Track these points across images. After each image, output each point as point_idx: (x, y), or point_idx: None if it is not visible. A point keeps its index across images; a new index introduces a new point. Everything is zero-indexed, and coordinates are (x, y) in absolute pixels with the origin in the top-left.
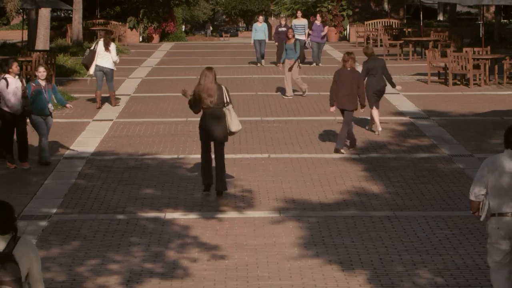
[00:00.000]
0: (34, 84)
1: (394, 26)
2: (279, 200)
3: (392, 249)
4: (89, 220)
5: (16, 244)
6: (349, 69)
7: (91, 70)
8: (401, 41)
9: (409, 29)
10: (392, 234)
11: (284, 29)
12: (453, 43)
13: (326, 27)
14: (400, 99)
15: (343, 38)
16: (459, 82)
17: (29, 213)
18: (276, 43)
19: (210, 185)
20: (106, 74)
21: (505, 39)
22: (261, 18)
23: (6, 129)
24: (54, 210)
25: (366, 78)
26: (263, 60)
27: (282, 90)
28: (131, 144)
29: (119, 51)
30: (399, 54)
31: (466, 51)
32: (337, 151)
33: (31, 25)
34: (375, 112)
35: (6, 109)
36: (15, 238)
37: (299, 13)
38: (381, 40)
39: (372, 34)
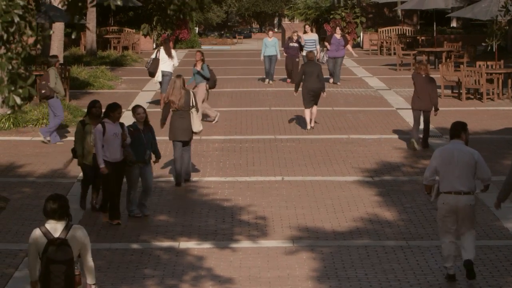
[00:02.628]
0: (132, 129)
1: (407, 34)
2: (293, 228)
3: (405, 282)
4: (103, 249)
5: (69, 231)
6: (424, 75)
7: (159, 77)
8: (415, 51)
9: (422, 37)
10: (405, 266)
11: (295, 44)
12: (466, 54)
13: (349, 45)
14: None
15: (357, 45)
16: (472, 96)
17: None
18: (285, 54)
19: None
20: (167, 77)
21: None
22: (271, 33)
23: (104, 179)
24: None
25: (303, 80)
26: (272, 81)
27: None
28: None
29: (132, 60)
30: (413, 64)
31: (480, 65)
32: (426, 146)
33: (45, 37)
34: (307, 111)
35: (103, 158)
36: (68, 225)
37: (307, 28)
38: (394, 48)
39: (386, 43)
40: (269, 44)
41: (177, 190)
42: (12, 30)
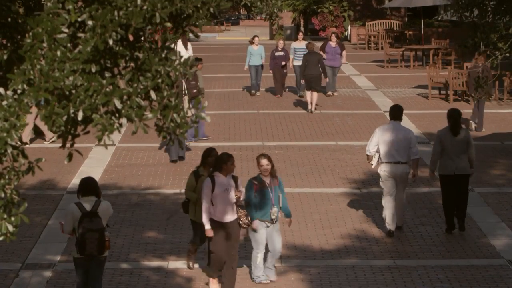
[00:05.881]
0: (256, 182)
1: (395, 28)
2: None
3: None
4: None
5: (99, 205)
6: (480, 65)
7: None
8: (402, 48)
9: (410, 32)
10: (392, 287)
11: (281, 53)
12: (454, 52)
13: (344, 52)
14: None
15: (344, 39)
16: (460, 98)
17: (33, 261)
18: (271, 70)
19: None
20: None
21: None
22: (256, 39)
23: (213, 243)
24: (58, 258)
25: (305, 67)
26: (258, 92)
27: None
28: (133, 175)
29: None
30: (400, 60)
31: (467, 67)
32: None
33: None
34: (308, 94)
35: (212, 216)
36: (98, 201)
37: (300, 35)
38: (382, 43)
39: (373, 37)
40: (255, 52)
41: (165, 202)
42: (4, 159)
